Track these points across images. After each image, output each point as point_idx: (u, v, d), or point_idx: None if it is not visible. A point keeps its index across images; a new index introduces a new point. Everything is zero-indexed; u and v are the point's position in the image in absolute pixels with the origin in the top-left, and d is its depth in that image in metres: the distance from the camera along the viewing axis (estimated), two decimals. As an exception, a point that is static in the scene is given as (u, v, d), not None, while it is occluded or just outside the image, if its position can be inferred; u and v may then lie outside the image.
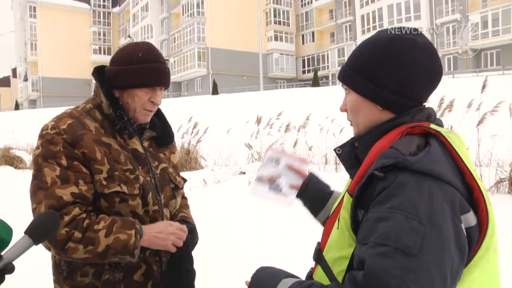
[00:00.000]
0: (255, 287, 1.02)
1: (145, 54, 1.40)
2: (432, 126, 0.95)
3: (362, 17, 37.52)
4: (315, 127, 8.13)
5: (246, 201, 5.34)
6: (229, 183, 6.17)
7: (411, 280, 0.76)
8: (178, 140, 7.64)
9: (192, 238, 1.49)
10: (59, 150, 1.32)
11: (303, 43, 45.95)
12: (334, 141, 6.79)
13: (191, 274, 1.48)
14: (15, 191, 5.98)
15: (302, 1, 46.17)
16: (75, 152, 1.33)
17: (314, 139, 7.72)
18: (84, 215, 1.30)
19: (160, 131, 1.57)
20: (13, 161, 10.72)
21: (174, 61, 44.27)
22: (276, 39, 44.35)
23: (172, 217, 1.56)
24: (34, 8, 54.80)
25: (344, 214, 0.95)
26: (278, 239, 4.08)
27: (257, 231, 4.34)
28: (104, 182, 1.34)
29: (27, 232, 0.91)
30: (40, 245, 1.01)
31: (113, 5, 60.51)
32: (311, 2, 44.72)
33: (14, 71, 72.59)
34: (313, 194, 1.33)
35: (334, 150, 1.28)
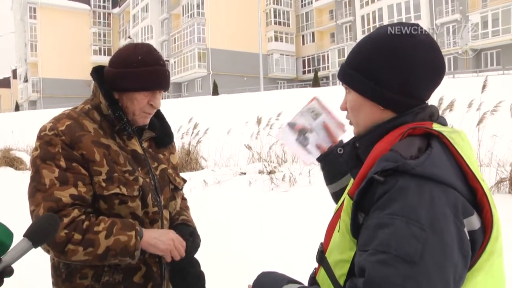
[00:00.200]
0: None
1: (145, 56, 1.39)
2: (435, 126, 0.92)
3: (362, 17, 37.51)
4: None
5: (247, 201, 5.34)
6: (229, 184, 6.17)
7: (412, 287, 0.75)
8: (178, 141, 7.64)
9: (193, 242, 1.48)
10: (58, 151, 1.31)
11: (303, 43, 45.94)
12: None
13: (199, 277, 1.45)
14: (15, 192, 5.97)
15: (302, 1, 46.16)
16: (74, 153, 1.32)
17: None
18: (83, 217, 1.29)
19: (159, 131, 1.56)
20: (13, 162, 10.74)
21: (174, 62, 44.27)
22: (276, 39, 44.34)
23: (172, 219, 1.55)
24: (34, 9, 54.83)
25: (345, 217, 0.93)
26: (278, 239, 4.07)
27: (257, 232, 4.33)
28: (103, 184, 1.33)
29: (26, 235, 0.90)
30: (39, 248, 1.01)
31: (113, 6, 60.53)
32: (311, 3, 44.70)
33: (14, 72, 72.61)
34: (335, 163, 1.29)
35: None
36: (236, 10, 41.75)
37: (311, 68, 43.71)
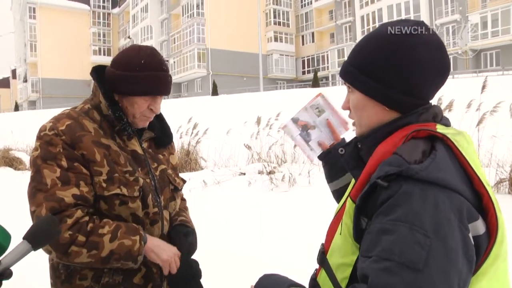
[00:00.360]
0: None
1: (148, 61, 1.37)
2: (439, 127, 0.90)
3: (362, 17, 37.51)
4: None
5: (246, 202, 5.34)
6: (229, 184, 6.16)
7: None
8: (177, 141, 7.64)
9: (190, 245, 1.47)
10: (59, 151, 1.30)
11: (303, 43, 45.94)
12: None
13: (196, 277, 1.45)
14: (15, 192, 5.96)
15: (302, 2, 46.16)
16: (75, 153, 1.31)
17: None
18: (87, 218, 1.28)
19: (159, 132, 1.56)
20: (12, 162, 10.74)
21: (174, 62, 44.25)
22: (276, 40, 44.33)
23: (171, 220, 1.54)
24: (34, 9, 54.79)
25: (347, 221, 0.92)
26: (277, 240, 4.07)
27: (257, 232, 4.33)
28: (104, 184, 1.32)
29: (26, 237, 0.89)
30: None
31: (113, 6, 60.50)
32: (311, 3, 44.70)
33: (13, 72, 72.59)
34: (336, 161, 1.28)
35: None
36: (235, 10, 41.74)
37: (310, 68, 43.71)
